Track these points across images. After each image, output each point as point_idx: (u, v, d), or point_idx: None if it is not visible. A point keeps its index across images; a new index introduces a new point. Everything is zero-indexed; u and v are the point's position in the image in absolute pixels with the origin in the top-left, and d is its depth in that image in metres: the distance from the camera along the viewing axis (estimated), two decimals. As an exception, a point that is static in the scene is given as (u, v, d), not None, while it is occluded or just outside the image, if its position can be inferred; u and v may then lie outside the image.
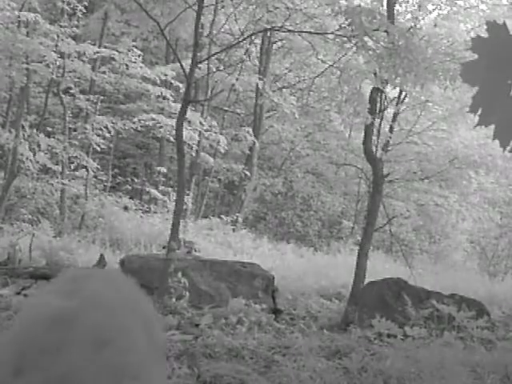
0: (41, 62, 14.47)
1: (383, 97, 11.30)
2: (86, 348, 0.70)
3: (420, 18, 18.08)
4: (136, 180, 19.17)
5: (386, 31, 9.51)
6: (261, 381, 4.71)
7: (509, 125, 1.60)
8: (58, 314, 0.72)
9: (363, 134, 10.78)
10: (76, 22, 15.25)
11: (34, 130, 14.72)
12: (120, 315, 0.74)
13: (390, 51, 9.34)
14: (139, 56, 15.74)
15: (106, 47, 16.20)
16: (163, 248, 11.34)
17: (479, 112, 1.60)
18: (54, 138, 15.59)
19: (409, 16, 18.22)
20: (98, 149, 16.08)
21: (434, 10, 18.93)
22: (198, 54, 10.60)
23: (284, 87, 21.92)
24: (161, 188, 17.95)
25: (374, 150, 10.93)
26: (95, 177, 16.74)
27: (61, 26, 14.46)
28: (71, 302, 0.72)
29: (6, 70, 14.17)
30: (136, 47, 15.65)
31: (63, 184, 14.83)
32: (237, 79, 17.08)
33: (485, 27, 1.57)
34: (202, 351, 5.37)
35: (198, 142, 17.16)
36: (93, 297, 0.73)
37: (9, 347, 0.73)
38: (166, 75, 16.26)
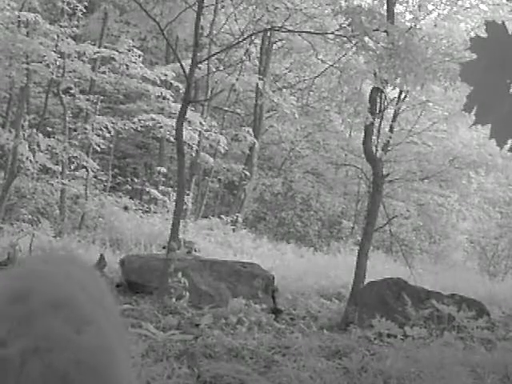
0: (41, 62, 14.47)
1: (383, 97, 11.31)
2: (48, 312, 0.85)
3: (420, 18, 18.08)
4: (136, 180, 19.17)
5: (385, 31, 9.51)
6: (261, 381, 4.71)
7: (506, 124, 1.60)
8: (16, 290, 0.85)
9: (363, 133, 10.78)
10: (76, 22, 15.24)
11: (34, 130, 14.72)
12: (69, 283, 0.89)
13: (389, 51, 9.35)
14: (139, 56, 15.74)
15: (106, 47, 16.21)
16: (163, 248, 11.34)
17: (474, 111, 1.60)
18: (53, 138, 15.59)
19: (409, 16, 18.23)
20: (98, 149, 16.08)
21: (434, 10, 18.94)
22: (198, 54, 10.60)
23: (284, 87, 21.92)
24: (161, 188, 17.95)
25: (374, 150, 10.93)
26: (95, 177, 16.73)
27: (61, 26, 14.46)
28: (22, 281, 0.86)
29: (6, 70, 14.17)
30: (135, 47, 15.65)
31: (63, 184, 14.83)
32: (237, 79, 17.08)
33: (484, 27, 1.57)
34: (202, 351, 5.37)
35: (198, 142, 17.16)
36: (41, 274, 0.88)
37: None
38: (165, 75, 16.26)
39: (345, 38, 10.38)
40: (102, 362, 0.91)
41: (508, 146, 1.67)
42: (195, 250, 12.56)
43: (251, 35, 14.80)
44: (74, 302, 0.92)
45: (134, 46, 15.60)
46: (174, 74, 16.37)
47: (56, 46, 14.31)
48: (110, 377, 0.92)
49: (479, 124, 1.62)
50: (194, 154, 17.29)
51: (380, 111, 11.32)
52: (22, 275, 0.89)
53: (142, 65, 15.98)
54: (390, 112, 17.71)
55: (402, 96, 17.99)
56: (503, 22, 1.55)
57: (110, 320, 0.96)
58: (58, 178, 15.30)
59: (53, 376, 0.86)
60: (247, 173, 19.56)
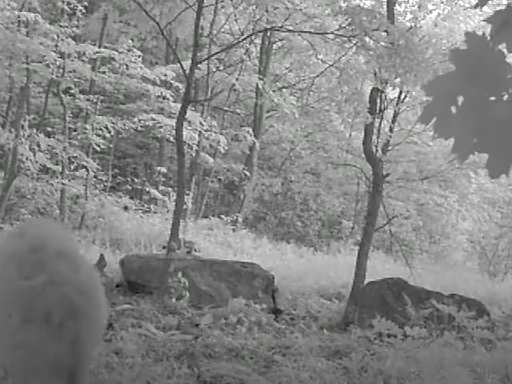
0: (41, 62, 14.47)
1: (383, 97, 11.30)
2: (56, 259, 1.34)
3: (420, 18, 18.09)
4: (136, 180, 19.17)
5: (385, 31, 9.51)
6: (261, 381, 4.71)
7: (467, 138, 1.59)
8: (32, 243, 1.34)
9: (363, 133, 10.78)
10: (76, 22, 15.24)
11: (34, 130, 14.72)
12: (69, 241, 1.40)
13: (389, 51, 9.34)
14: (139, 56, 15.74)
15: (105, 47, 16.21)
16: (163, 248, 11.34)
17: (432, 123, 1.59)
18: (53, 138, 15.59)
19: (409, 16, 18.24)
20: (98, 149, 16.08)
21: (434, 9, 18.95)
22: (198, 54, 10.60)
23: (284, 87, 21.92)
24: (161, 188, 17.96)
25: (374, 150, 10.93)
26: (95, 177, 16.73)
27: (61, 26, 14.46)
28: (37, 239, 1.35)
29: (6, 70, 14.17)
30: (135, 47, 15.65)
31: (63, 184, 14.83)
32: (237, 79, 17.09)
33: (486, 28, 1.56)
34: (202, 351, 5.37)
35: (198, 142, 17.16)
36: (48, 235, 1.36)
37: (9, 264, 1.36)
38: (165, 75, 16.26)
39: (345, 38, 10.38)
40: (94, 293, 1.47)
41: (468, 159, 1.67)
42: (195, 250, 12.55)
43: (251, 35, 14.80)
44: (71, 252, 1.45)
45: (133, 46, 15.60)
46: (174, 74, 16.37)
47: (56, 46, 14.31)
48: (99, 303, 1.49)
49: (441, 137, 1.61)
50: (194, 154, 17.29)
51: (380, 111, 11.32)
52: (36, 235, 1.38)
53: (141, 65, 15.98)
54: (390, 112, 17.70)
55: (402, 96, 18.00)
56: (483, 34, 1.55)
57: (87, 262, 1.51)
58: (57, 178, 15.30)
59: (65, 300, 1.41)
60: (247, 173, 19.57)
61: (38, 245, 1.62)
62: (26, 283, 1.72)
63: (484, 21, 1.69)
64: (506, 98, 1.53)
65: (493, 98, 1.55)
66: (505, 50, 1.57)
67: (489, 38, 1.54)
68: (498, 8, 1.69)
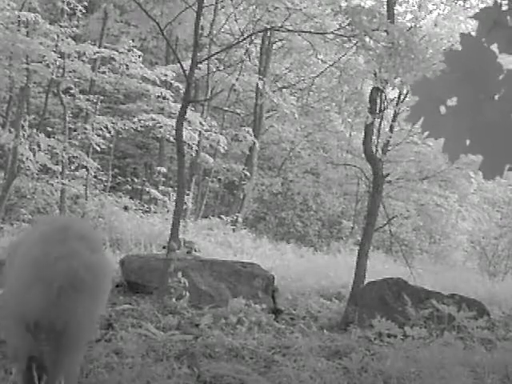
0: (41, 62, 14.46)
1: (383, 97, 11.30)
2: (77, 239, 3.13)
3: (420, 17, 18.09)
4: (136, 180, 19.17)
5: (385, 31, 9.50)
6: (261, 381, 4.71)
7: (459, 139, 1.58)
8: (60, 226, 3.22)
9: (363, 133, 10.78)
10: (76, 22, 15.24)
11: (34, 130, 14.71)
12: (92, 230, 2.89)
13: (389, 51, 9.33)
14: (139, 56, 15.73)
15: (105, 47, 16.20)
16: (163, 248, 11.33)
17: (420, 122, 1.59)
18: (54, 138, 15.58)
19: (409, 16, 18.24)
20: (98, 149, 16.07)
21: (434, 9, 18.96)
22: (198, 54, 10.59)
23: (284, 87, 21.93)
24: (161, 188, 17.95)
25: (374, 150, 10.93)
26: (95, 177, 16.73)
27: (61, 26, 14.45)
28: (64, 222, 3.34)
29: (6, 70, 14.17)
30: (135, 47, 15.64)
31: (63, 184, 14.83)
32: (237, 79, 17.08)
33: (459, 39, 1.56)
34: (202, 351, 5.37)
35: (198, 141, 17.16)
36: (74, 222, 3.17)
37: (38, 241, 3.23)
38: (165, 75, 16.26)
39: (345, 38, 10.38)
40: (102, 273, 3.29)
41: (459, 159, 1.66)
42: (195, 250, 12.55)
43: (251, 35, 14.79)
44: (91, 238, 3.32)
45: (134, 46, 15.59)
46: (174, 74, 16.37)
47: (56, 45, 14.31)
48: (104, 283, 3.36)
49: (431, 137, 1.61)
50: (193, 154, 17.29)
51: (380, 111, 11.31)
52: (65, 221, 3.60)
53: (141, 65, 15.97)
54: (390, 112, 17.70)
55: (402, 96, 18.01)
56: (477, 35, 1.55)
57: (102, 251, 3.57)
58: (58, 177, 15.29)
59: (71, 271, 3.05)
60: (247, 173, 19.56)
61: (64, 227, 2.83)
62: (43, 254, 2.74)
63: (471, 17, 1.69)
64: (497, 97, 1.52)
65: (485, 99, 1.54)
66: (496, 51, 1.57)
67: (475, 34, 1.54)
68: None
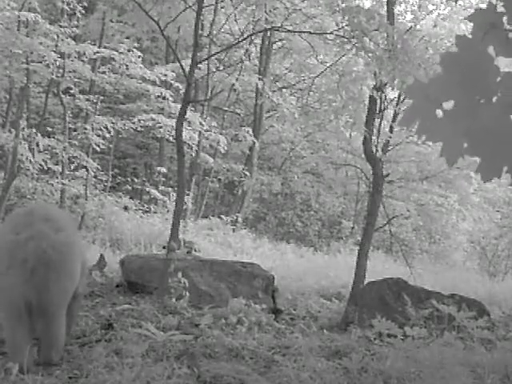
0: (41, 62, 14.46)
1: (383, 97, 11.30)
2: (41, 221, 4.17)
3: (420, 18, 18.09)
4: (136, 180, 19.18)
5: (385, 32, 9.49)
6: (261, 381, 4.71)
7: (457, 142, 1.58)
8: (26, 212, 4.36)
9: (363, 134, 10.76)
10: (76, 22, 15.23)
11: (34, 130, 14.72)
12: (56, 211, 4.87)
13: (388, 53, 9.32)
14: (139, 56, 15.73)
15: (105, 47, 16.20)
16: (163, 248, 11.33)
17: (415, 126, 1.58)
18: (53, 138, 15.59)
19: (409, 16, 18.25)
20: (98, 149, 16.07)
21: (434, 10, 18.96)
22: (198, 54, 10.59)
23: (284, 87, 21.94)
24: (161, 188, 17.96)
25: (374, 150, 10.92)
26: (95, 177, 16.73)
27: (61, 26, 14.45)
28: (30, 208, 4.69)
29: (6, 70, 14.17)
30: (135, 47, 15.65)
31: (63, 184, 14.83)
32: (237, 79, 17.09)
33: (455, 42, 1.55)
34: (202, 351, 5.36)
35: (198, 142, 17.17)
36: (42, 204, 4.63)
37: (8, 225, 4.31)
38: (165, 75, 16.26)
39: (344, 39, 10.36)
40: (67, 251, 4.20)
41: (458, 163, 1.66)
42: (195, 250, 12.55)
43: (251, 35, 14.80)
44: (55, 218, 4.31)
45: (134, 47, 15.60)
46: (174, 74, 16.37)
47: (56, 46, 14.31)
48: (71, 259, 4.25)
49: (429, 141, 1.60)
50: (193, 154, 17.30)
51: (380, 111, 11.31)
52: (31, 206, 5.41)
53: (141, 65, 15.98)
54: (389, 112, 17.70)
55: (402, 96, 18.00)
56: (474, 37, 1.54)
57: (73, 230, 4.51)
58: (58, 177, 15.30)
59: (39, 251, 4.01)
60: (247, 173, 19.57)
61: (29, 212, 3.92)
62: (15, 237, 3.68)
63: (465, 19, 1.68)
64: (494, 99, 1.52)
65: (482, 101, 1.54)
66: (493, 53, 1.55)
67: (470, 36, 1.53)
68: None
